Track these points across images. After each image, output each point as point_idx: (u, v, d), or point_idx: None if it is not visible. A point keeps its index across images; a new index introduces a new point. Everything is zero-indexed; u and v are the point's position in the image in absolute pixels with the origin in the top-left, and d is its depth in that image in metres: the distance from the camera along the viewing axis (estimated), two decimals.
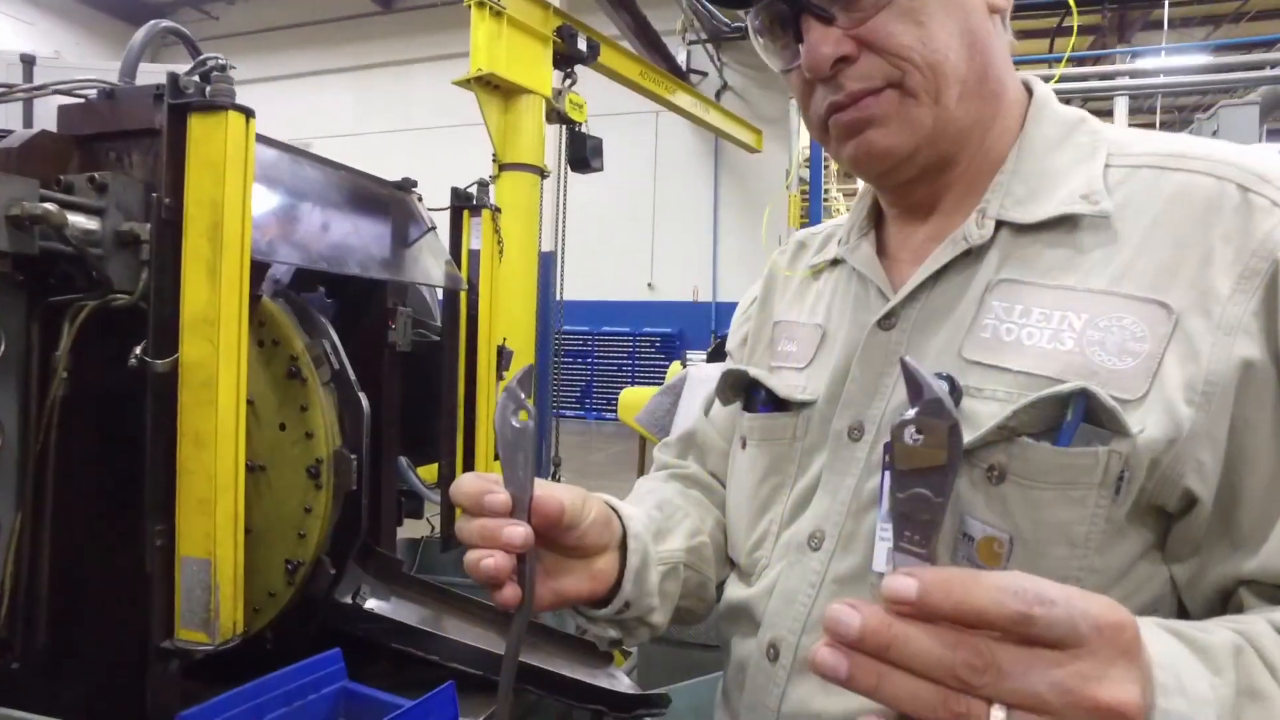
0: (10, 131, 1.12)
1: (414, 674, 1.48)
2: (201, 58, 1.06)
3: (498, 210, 1.59)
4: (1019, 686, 0.36)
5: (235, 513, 0.99)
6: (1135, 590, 0.57)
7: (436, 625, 1.55)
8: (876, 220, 0.77)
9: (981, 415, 0.58)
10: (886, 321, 0.68)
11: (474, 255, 1.60)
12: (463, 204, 1.60)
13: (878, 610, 0.38)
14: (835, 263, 0.79)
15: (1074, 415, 0.55)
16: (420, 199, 1.63)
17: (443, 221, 1.70)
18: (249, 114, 1.02)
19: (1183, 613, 0.58)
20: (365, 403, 1.38)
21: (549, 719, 1.63)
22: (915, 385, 0.42)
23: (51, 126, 1.18)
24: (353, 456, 1.32)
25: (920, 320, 0.66)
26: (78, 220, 1.03)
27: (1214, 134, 6.32)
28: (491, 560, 0.55)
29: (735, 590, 0.76)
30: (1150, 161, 0.62)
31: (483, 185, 1.61)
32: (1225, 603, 0.56)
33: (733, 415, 0.84)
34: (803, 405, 0.73)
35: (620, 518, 0.69)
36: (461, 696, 1.23)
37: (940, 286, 0.66)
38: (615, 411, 13.26)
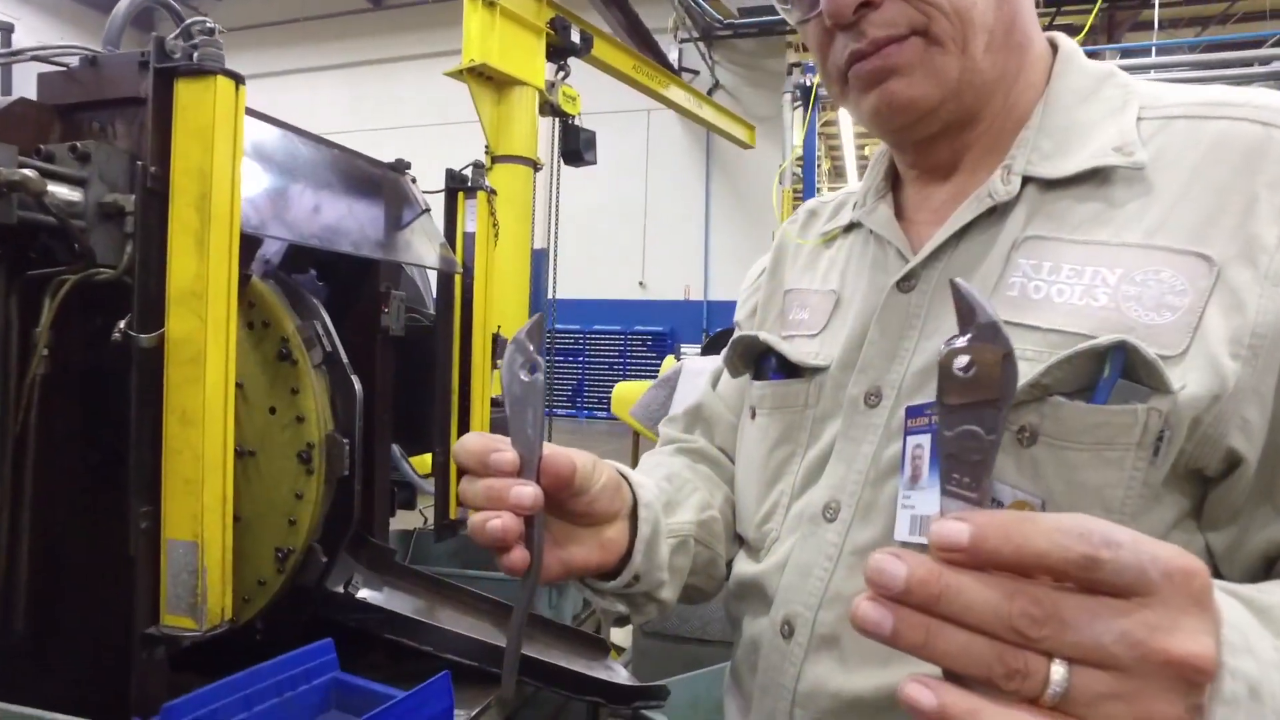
0: None
1: (408, 665, 1.44)
2: (188, 21, 1.02)
3: (493, 192, 1.55)
4: (1082, 639, 0.33)
5: (223, 494, 0.95)
6: None
7: (430, 615, 1.51)
8: (893, 183, 0.74)
9: None
10: (906, 283, 0.65)
11: (469, 238, 1.56)
12: (458, 186, 1.57)
13: (925, 559, 0.35)
14: (850, 229, 0.76)
15: (1112, 371, 0.52)
16: (414, 180, 1.59)
17: (436, 206, 1.66)
18: (238, 80, 0.99)
19: None
20: (358, 386, 1.34)
21: (547, 711, 1.59)
22: (967, 308, 0.39)
23: (30, 96, 1.14)
24: (345, 441, 1.29)
25: (942, 281, 0.63)
26: (59, 190, 0.99)
27: None
28: (499, 521, 0.52)
29: (745, 566, 0.73)
30: (1186, 111, 0.60)
31: (478, 167, 1.58)
32: (1268, 571, 0.53)
33: (741, 387, 0.82)
34: (815, 371, 0.70)
35: (630, 485, 0.66)
36: (456, 687, 1.19)
37: (963, 246, 0.63)
38: (607, 410, 13.25)
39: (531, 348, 0.53)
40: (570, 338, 12.55)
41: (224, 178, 0.96)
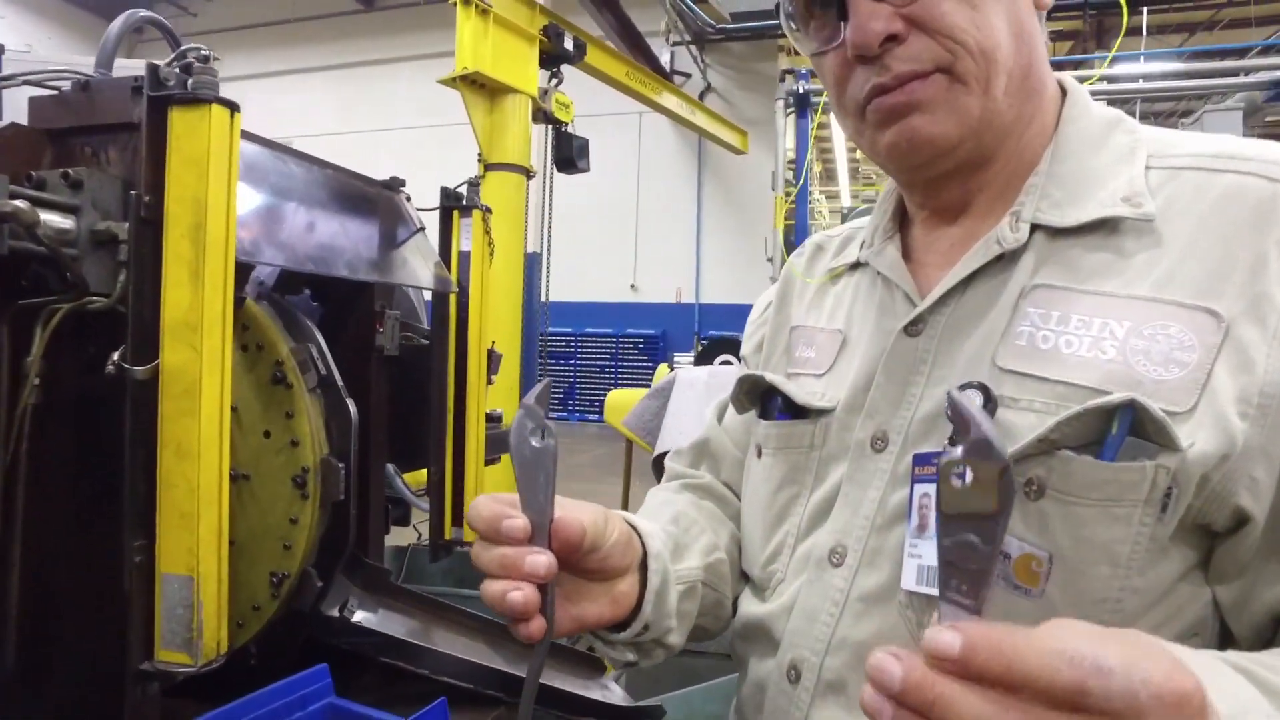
0: None
1: (403, 687, 1.43)
2: (183, 48, 1.01)
3: (488, 211, 1.55)
4: None
5: (219, 527, 0.94)
6: (1176, 612, 0.54)
7: (425, 637, 1.50)
8: (901, 223, 0.74)
9: (1019, 427, 0.56)
10: (914, 328, 0.65)
11: (464, 257, 1.55)
12: (452, 204, 1.56)
13: (919, 664, 0.35)
14: (856, 266, 0.76)
15: (1120, 428, 0.52)
16: (409, 199, 1.58)
17: (430, 220, 1.66)
18: (233, 108, 0.98)
19: (1226, 636, 0.55)
20: (353, 409, 1.33)
21: None
22: (962, 421, 0.39)
23: (21, 120, 1.12)
24: (340, 465, 1.28)
25: (950, 327, 0.64)
26: (51, 219, 0.98)
27: None
28: (519, 594, 0.52)
29: (751, 606, 0.73)
30: (1195, 163, 0.60)
31: (473, 185, 1.57)
32: (1277, 627, 0.53)
33: (747, 423, 0.82)
34: (821, 413, 0.70)
35: (640, 536, 0.66)
36: (452, 710, 1.19)
37: (971, 292, 0.63)
38: (598, 413, 13.25)
39: (541, 412, 0.53)
40: (561, 340, 12.53)
41: (219, 208, 0.95)
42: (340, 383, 1.33)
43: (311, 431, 1.27)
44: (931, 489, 0.56)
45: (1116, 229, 0.59)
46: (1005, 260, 0.62)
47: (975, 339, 0.61)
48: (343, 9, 13.61)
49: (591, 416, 12.80)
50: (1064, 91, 0.68)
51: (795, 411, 0.73)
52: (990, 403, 0.57)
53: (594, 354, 12.99)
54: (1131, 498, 0.52)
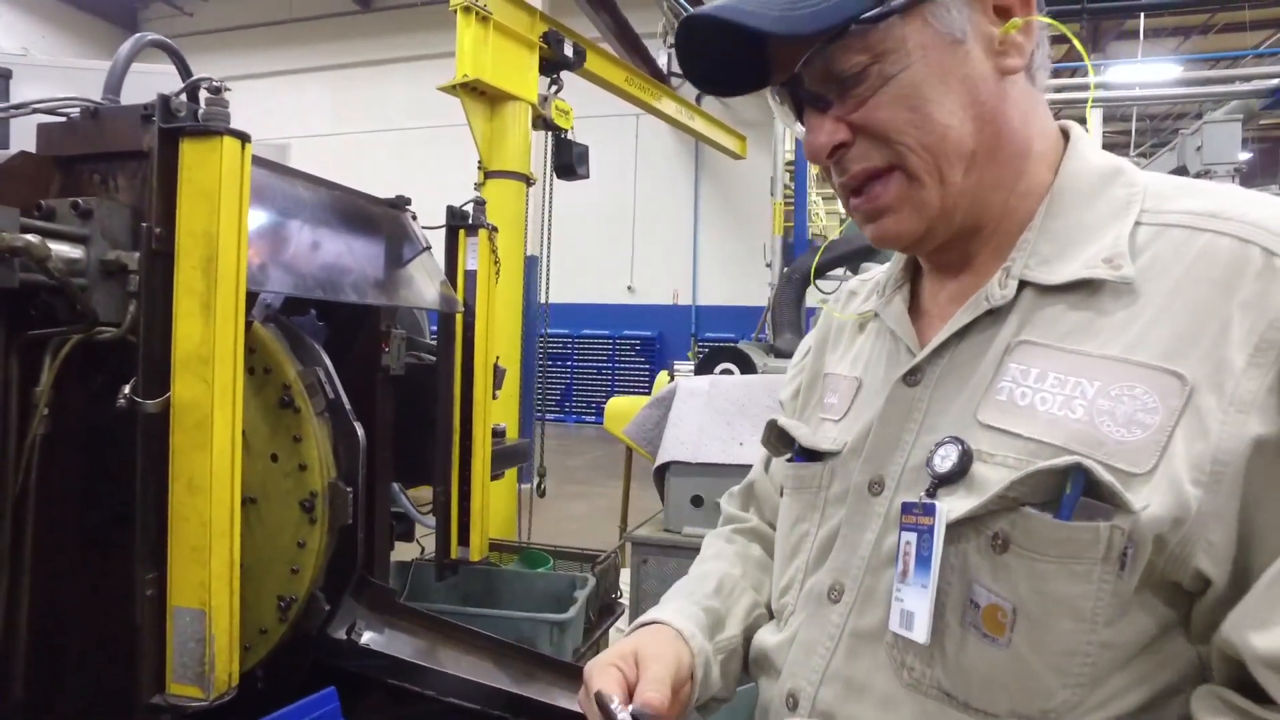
0: None
1: (410, 708, 1.43)
2: (195, 78, 1.00)
3: (494, 230, 1.54)
4: None
5: (231, 560, 0.94)
6: (1158, 667, 0.55)
7: (432, 658, 1.50)
8: (916, 272, 0.76)
9: (990, 481, 0.58)
10: (911, 378, 0.67)
11: (470, 276, 1.55)
12: (459, 223, 1.56)
13: None
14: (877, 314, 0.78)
15: (1073, 489, 0.54)
16: (415, 217, 1.58)
17: (434, 239, 1.65)
18: (244, 139, 0.98)
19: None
20: (361, 433, 1.33)
21: None
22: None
23: (28, 144, 1.12)
24: (349, 490, 1.27)
25: (943, 378, 0.66)
26: (60, 249, 0.97)
27: (1198, 150, 6.43)
28: None
29: (765, 636, 0.77)
30: (1182, 221, 0.60)
31: (479, 204, 1.57)
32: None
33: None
34: (830, 455, 0.73)
35: (690, 649, 0.72)
36: None
37: (964, 345, 0.65)
38: (595, 415, 13.17)
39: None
40: (558, 342, 12.52)
41: (230, 240, 0.95)
42: (348, 406, 1.32)
43: (320, 456, 1.27)
44: (914, 536, 0.60)
45: (1098, 289, 0.60)
46: (995, 315, 0.63)
47: (965, 392, 0.63)
48: (338, 10, 13.56)
49: (588, 418, 12.79)
50: (1067, 138, 0.68)
51: (808, 454, 0.76)
52: (966, 457, 0.59)
53: (590, 356, 12.98)
54: (1089, 555, 0.53)
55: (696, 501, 2.90)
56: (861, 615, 0.65)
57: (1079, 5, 6.55)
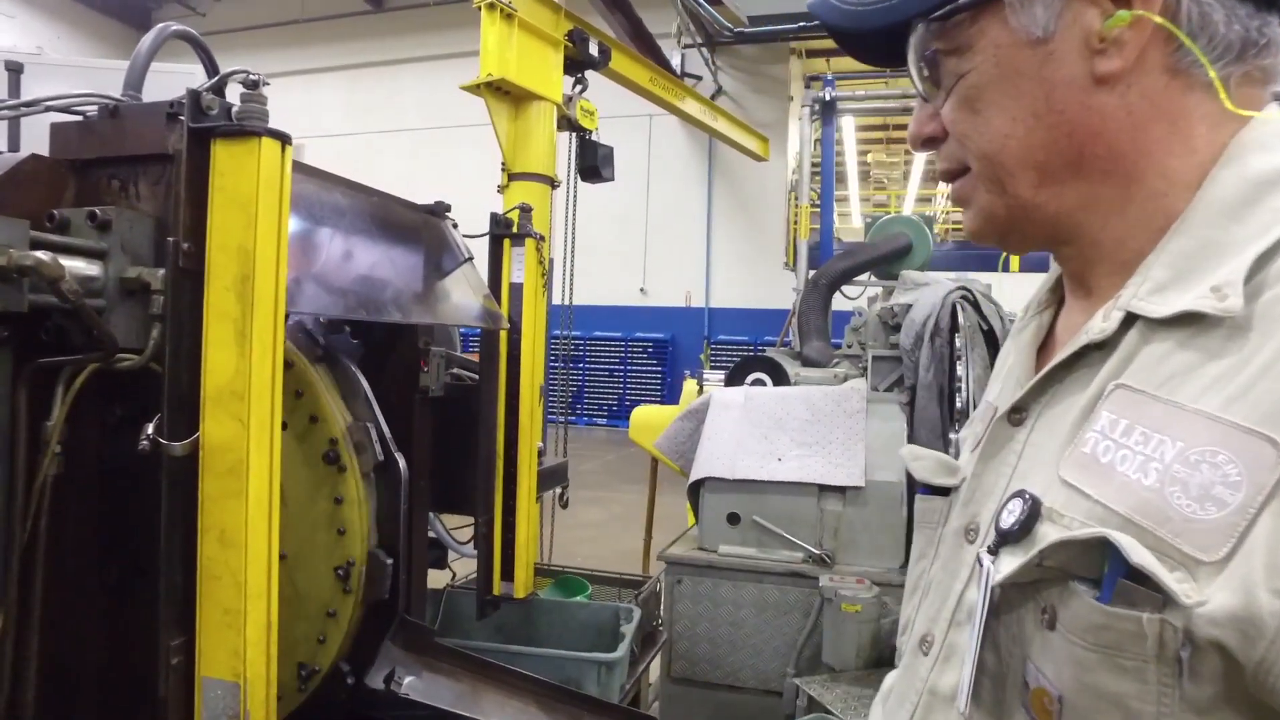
0: None
1: None
2: (226, 72, 0.88)
3: (541, 239, 1.42)
4: None
5: (268, 624, 0.81)
6: None
7: (475, 706, 1.39)
8: (1063, 293, 0.68)
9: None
10: (1015, 415, 0.60)
11: (515, 289, 1.43)
12: (503, 232, 1.44)
13: None
14: None
15: (1110, 567, 0.46)
16: (455, 225, 1.46)
17: (476, 247, 1.53)
18: (285, 140, 0.85)
19: None
20: (405, 498, 1.20)
21: None
22: None
23: (41, 147, 1.00)
24: (389, 561, 1.15)
25: (1044, 419, 0.58)
26: (75, 266, 0.85)
27: None
28: None
29: (890, 678, 0.73)
30: None
31: (524, 210, 1.45)
32: None
33: None
34: (949, 490, 0.67)
35: None
36: None
37: (1068, 382, 0.57)
38: (607, 417, 13.08)
39: None
40: (571, 344, 12.42)
41: (269, 256, 0.82)
42: (403, 471, 1.19)
43: (360, 520, 1.14)
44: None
45: (1211, 325, 0.48)
46: (1103, 349, 0.54)
47: (1061, 437, 0.55)
48: (352, 10, 13.51)
49: (600, 421, 12.69)
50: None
51: (934, 488, 0.70)
52: (1033, 514, 0.52)
53: (603, 358, 12.87)
54: (1135, 650, 0.44)
55: (733, 519, 2.76)
56: (942, 673, 0.60)
57: None
